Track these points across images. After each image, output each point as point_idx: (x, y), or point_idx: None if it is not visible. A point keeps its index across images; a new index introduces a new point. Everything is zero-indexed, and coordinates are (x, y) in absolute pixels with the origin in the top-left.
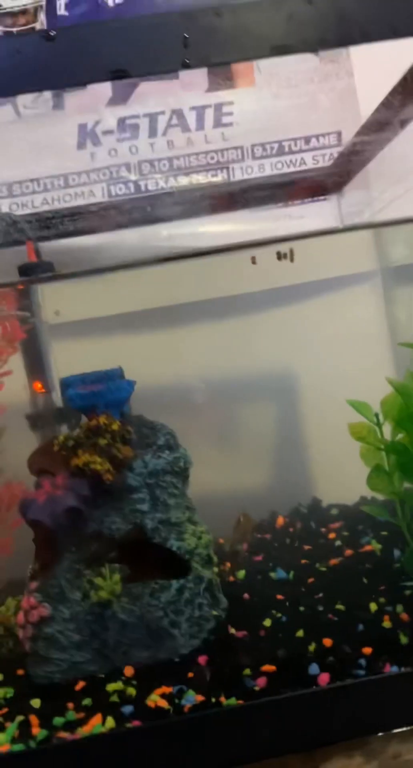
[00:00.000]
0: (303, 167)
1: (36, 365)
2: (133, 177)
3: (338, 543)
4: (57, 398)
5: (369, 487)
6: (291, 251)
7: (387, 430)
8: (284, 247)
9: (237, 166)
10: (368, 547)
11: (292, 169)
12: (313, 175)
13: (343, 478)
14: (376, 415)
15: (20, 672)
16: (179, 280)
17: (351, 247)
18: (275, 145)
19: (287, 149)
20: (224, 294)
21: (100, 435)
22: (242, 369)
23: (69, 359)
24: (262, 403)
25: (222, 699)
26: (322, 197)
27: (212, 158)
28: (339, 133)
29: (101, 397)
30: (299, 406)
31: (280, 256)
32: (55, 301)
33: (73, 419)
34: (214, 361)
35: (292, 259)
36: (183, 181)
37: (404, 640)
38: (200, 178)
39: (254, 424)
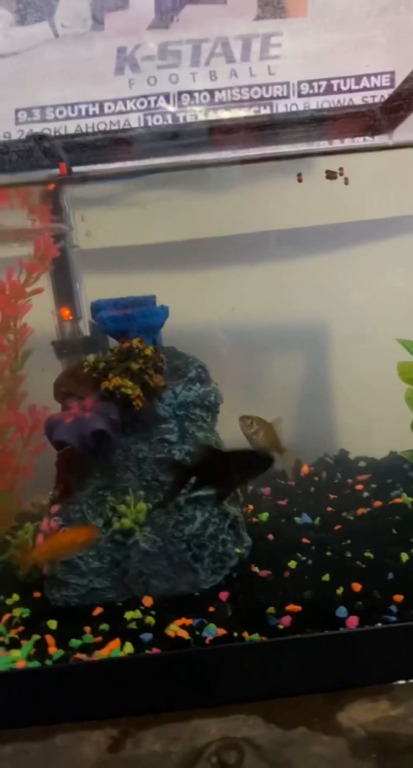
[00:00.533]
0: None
1: (64, 291)
2: (171, 108)
3: (365, 494)
4: (84, 327)
5: None
6: (341, 170)
7: None
8: (332, 164)
9: (281, 103)
10: (398, 500)
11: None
12: (364, 112)
13: (373, 432)
14: None
15: (37, 594)
16: (213, 210)
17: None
18: (324, 83)
19: (335, 88)
20: (260, 228)
21: (133, 359)
22: (273, 316)
23: (97, 291)
24: (292, 352)
25: (245, 634)
26: (371, 137)
27: (256, 93)
28: (393, 74)
29: (134, 321)
30: (331, 358)
31: (332, 174)
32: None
33: (100, 349)
34: (244, 305)
35: (346, 181)
36: (224, 115)
37: None
38: (242, 114)
39: (283, 372)
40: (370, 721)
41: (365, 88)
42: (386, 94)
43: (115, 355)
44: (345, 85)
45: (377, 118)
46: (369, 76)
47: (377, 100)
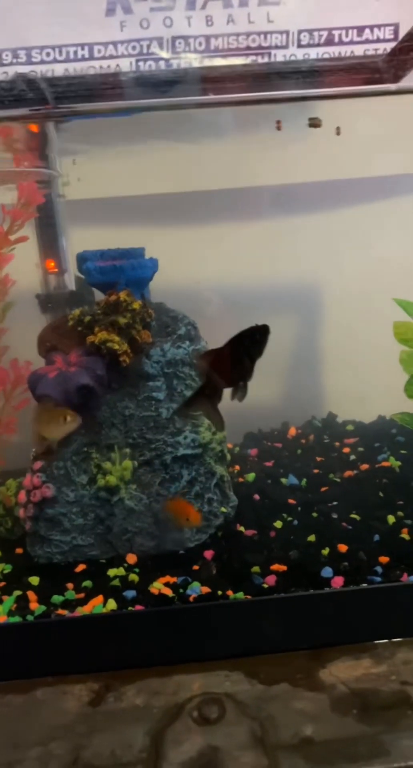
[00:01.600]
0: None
1: (50, 242)
2: (165, 54)
3: (353, 457)
4: (70, 280)
5: (407, 395)
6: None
7: None
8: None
9: (280, 53)
10: (385, 463)
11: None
12: (366, 64)
13: (362, 396)
14: None
15: (19, 551)
16: (204, 162)
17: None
18: (324, 33)
19: (337, 39)
20: (256, 183)
21: (120, 313)
22: (265, 277)
23: (84, 244)
24: (284, 313)
25: (229, 593)
26: None
27: (254, 41)
28: (397, 26)
29: (122, 273)
30: (323, 319)
31: (315, 122)
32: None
33: (86, 305)
34: (235, 264)
35: (338, 131)
36: (219, 63)
37: None
38: (238, 62)
39: (274, 333)
40: (352, 679)
41: (367, 40)
42: (389, 46)
43: (101, 309)
44: (347, 35)
45: (380, 70)
46: (372, 27)
47: (380, 53)
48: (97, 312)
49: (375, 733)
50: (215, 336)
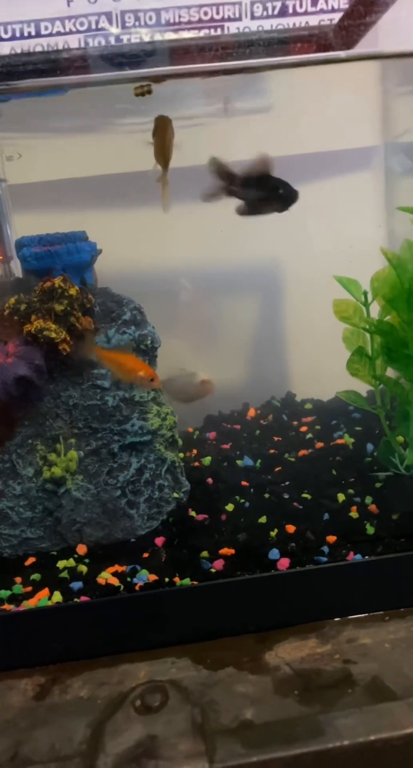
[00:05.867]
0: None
1: None
2: (114, 30)
3: (309, 436)
4: (17, 268)
5: (350, 372)
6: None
7: (375, 312)
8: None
9: (232, 25)
10: (340, 441)
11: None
12: (317, 33)
13: (320, 375)
14: (365, 294)
15: None
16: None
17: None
18: (278, 4)
19: (290, 10)
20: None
21: (56, 299)
22: (225, 258)
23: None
24: (243, 296)
25: (176, 579)
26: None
27: (206, 14)
28: None
29: (59, 258)
30: (283, 302)
31: (142, 91)
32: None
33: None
34: (196, 247)
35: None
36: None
37: (370, 530)
38: (189, 36)
39: (233, 316)
40: (297, 659)
41: (322, 11)
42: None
43: (37, 296)
44: (301, 6)
45: (330, 40)
46: None
47: (335, 23)
48: (33, 299)
49: (312, 713)
50: (180, 311)
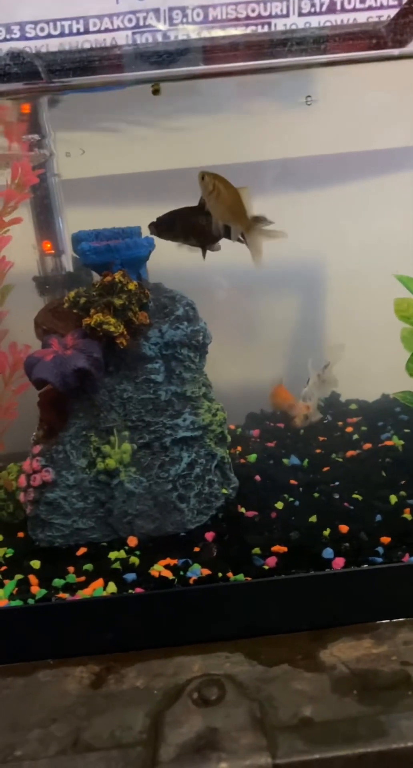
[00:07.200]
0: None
1: (46, 223)
2: (162, 26)
3: (355, 436)
4: (67, 262)
5: (409, 373)
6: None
7: None
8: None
9: (280, 22)
10: (388, 442)
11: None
12: (368, 31)
13: (365, 375)
14: None
15: (21, 535)
16: (207, 137)
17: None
18: (326, 1)
19: (339, 7)
20: (257, 158)
21: (116, 294)
22: (265, 256)
23: (82, 224)
24: (285, 295)
25: (229, 574)
26: None
27: (254, 11)
28: None
29: (117, 253)
30: (324, 300)
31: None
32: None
33: (84, 286)
34: (235, 245)
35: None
36: (218, 34)
37: None
38: (237, 33)
39: (275, 315)
40: (353, 659)
41: (370, 7)
42: (392, 13)
43: (96, 290)
44: (349, 3)
45: (383, 37)
46: None
47: (383, 20)
48: (92, 293)
49: (374, 714)
50: (220, 311)
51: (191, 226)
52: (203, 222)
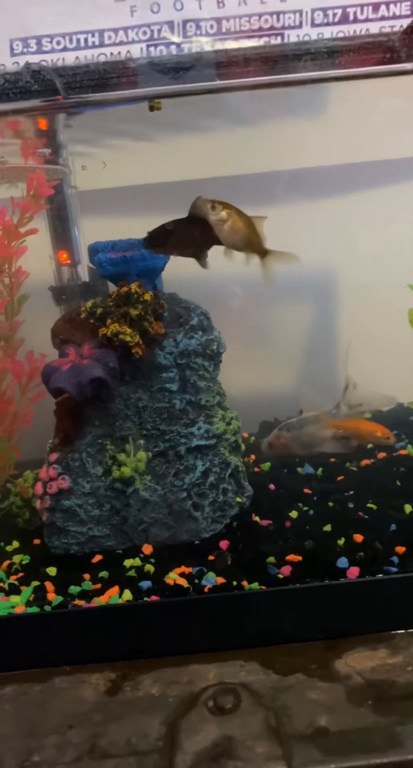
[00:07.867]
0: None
1: (62, 234)
2: (176, 39)
3: (369, 445)
4: (83, 272)
5: None
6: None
7: None
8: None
9: (293, 33)
10: (403, 452)
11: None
12: (381, 42)
13: (380, 383)
14: None
15: (37, 542)
16: (220, 148)
17: None
18: (339, 11)
19: (351, 17)
20: (268, 168)
21: (132, 304)
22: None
23: (97, 234)
24: (298, 302)
25: (244, 583)
26: None
27: (266, 22)
28: None
29: (133, 264)
30: (338, 309)
31: (154, 105)
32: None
33: (100, 296)
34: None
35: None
36: (232, 46)
37: None
38: (251, 44)
39: (288, 324)
40: (367, 669)
41: (384, 17)
42: (406, 23)
43: (113, 300)
44: (362, 13)
45: (396, 48)
46: (387, 3)
47: (396, 29)
48: (109, 304)
49: (390, 724)
50: (235, 320)
51: (182, 238)
52: (194, 233)
